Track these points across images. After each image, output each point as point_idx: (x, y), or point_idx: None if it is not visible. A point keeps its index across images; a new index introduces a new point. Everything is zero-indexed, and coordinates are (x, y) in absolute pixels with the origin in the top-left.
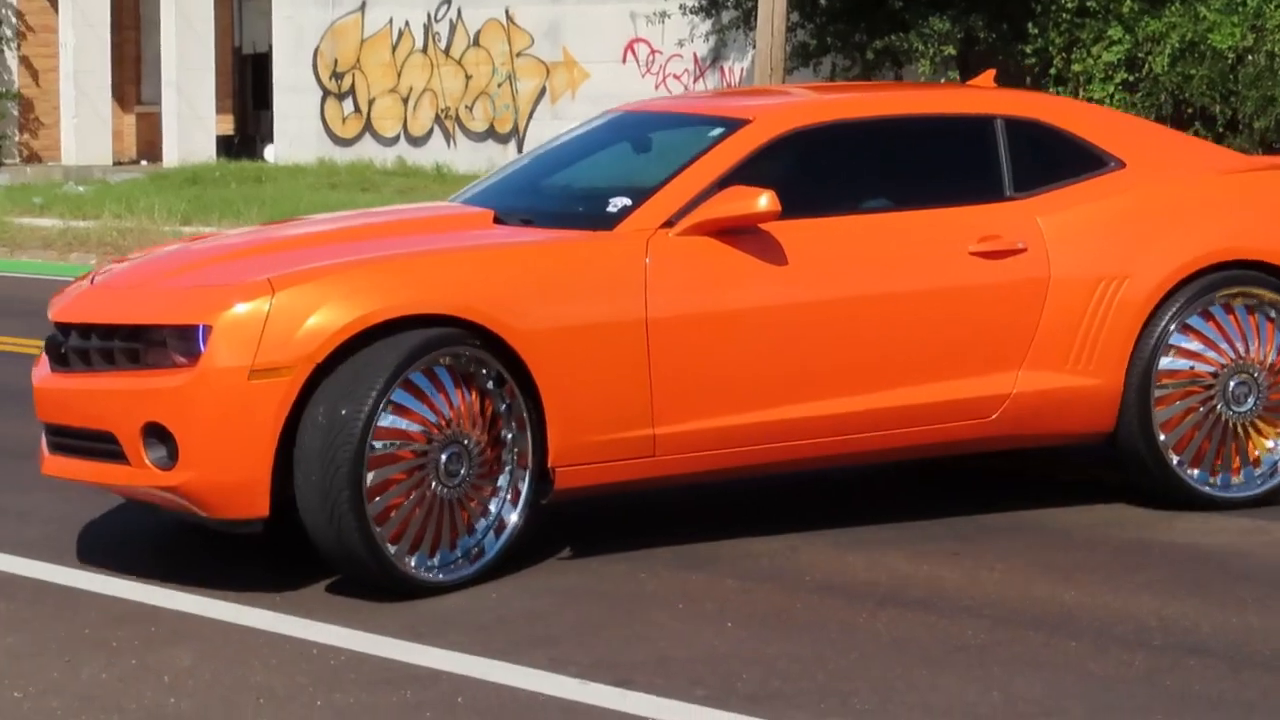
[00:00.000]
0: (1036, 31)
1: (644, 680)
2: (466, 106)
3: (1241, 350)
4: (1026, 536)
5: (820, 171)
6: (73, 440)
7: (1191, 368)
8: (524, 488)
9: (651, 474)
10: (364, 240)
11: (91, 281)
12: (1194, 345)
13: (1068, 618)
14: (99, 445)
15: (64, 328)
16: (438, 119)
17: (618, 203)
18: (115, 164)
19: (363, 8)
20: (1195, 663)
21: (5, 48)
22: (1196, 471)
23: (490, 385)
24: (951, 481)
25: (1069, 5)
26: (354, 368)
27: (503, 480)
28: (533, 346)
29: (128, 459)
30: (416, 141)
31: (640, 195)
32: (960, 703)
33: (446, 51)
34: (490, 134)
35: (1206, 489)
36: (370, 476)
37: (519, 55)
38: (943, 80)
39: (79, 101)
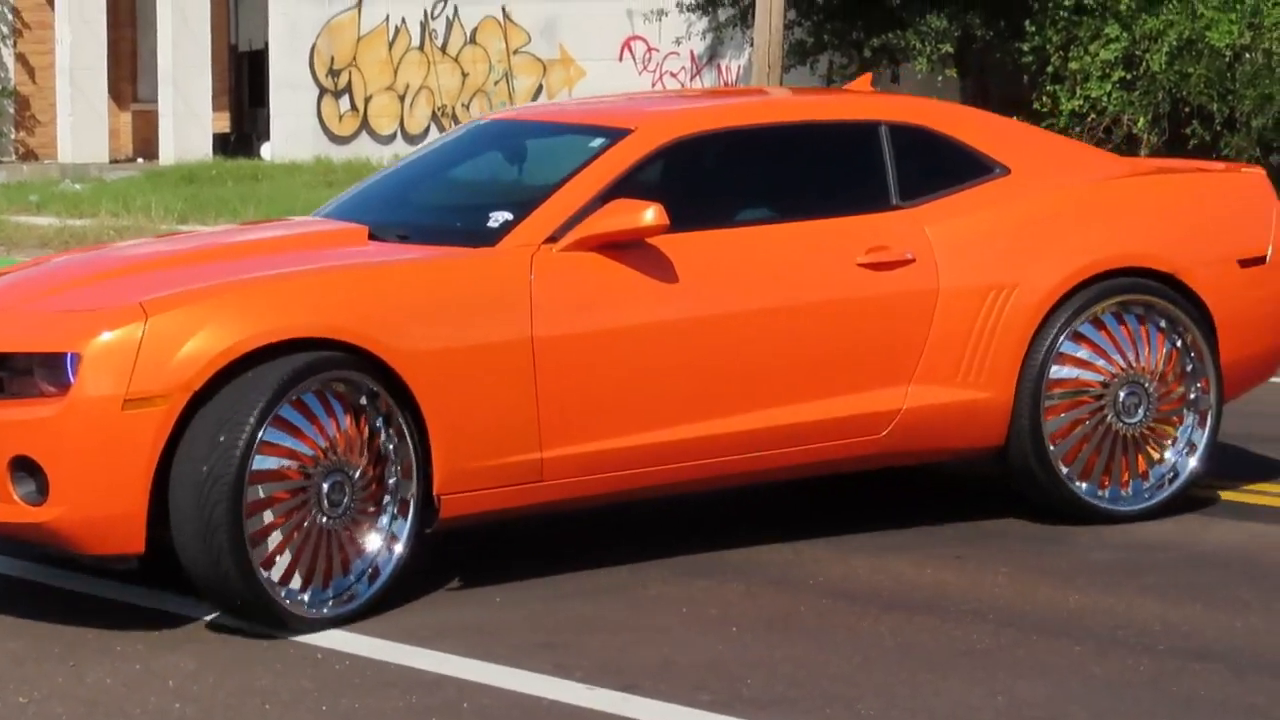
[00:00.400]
0: (1034, 29)
1: (649, 685)
2: (463, 104)
3: (1132, 359)
4: (1029, 541)
5: (705, 182)
6: None
7: (1080, 377)
8: (409, 516)
9: (540, 499)
10: (238, 259)
11: None
12: (1084, 354)
13: (1072, 622)
14: None
15: None
16: (434, 117)
17: (498, 217)
18: (112, 162)
19: (359, 5)
20: (1200, 667)
21: (2, 45)
22: (1085, 484)
23: (371, 410)
24: (953, 486)
25: (1066, 3)
26: (231, 395)
27: (386, 510)
28: (415, 369)
29: None
30: (413, 139)
31: (521, 209)
32: (964, 707)
33: (443, 49)
34: None
35: (1095, 502)
36: (248, 507)
37: (516, 53)
38: (940, 79)
39: (75, 99)
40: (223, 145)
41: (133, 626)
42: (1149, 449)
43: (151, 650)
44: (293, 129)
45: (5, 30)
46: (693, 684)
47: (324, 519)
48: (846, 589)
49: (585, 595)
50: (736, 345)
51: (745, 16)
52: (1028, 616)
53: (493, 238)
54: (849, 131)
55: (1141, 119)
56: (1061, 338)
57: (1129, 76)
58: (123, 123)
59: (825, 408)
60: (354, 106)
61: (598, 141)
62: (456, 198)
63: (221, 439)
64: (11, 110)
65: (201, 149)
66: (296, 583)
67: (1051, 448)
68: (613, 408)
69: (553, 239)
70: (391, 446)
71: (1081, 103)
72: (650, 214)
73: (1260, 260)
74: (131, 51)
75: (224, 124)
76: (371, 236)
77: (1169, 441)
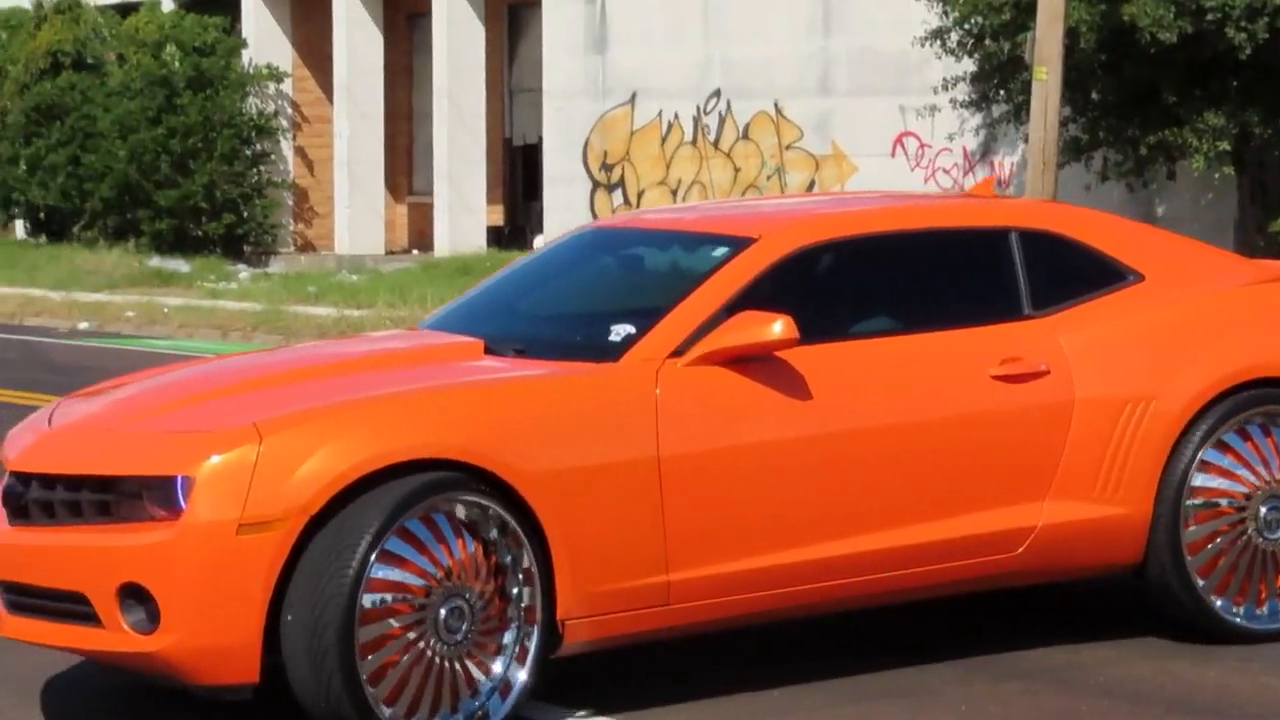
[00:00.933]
0: None
1: None
2: (738, 199)
3: (1276, 473)
4: None
5: (832, 291)
6: (37, 600)
7: (1223, 487)
8: (532, 643)
9: (666, 624)
10: (351, 375)
11: (50, 422)
12: (1228, 464)
13: None
14: (67, 606)
15: (23, 477)
16: None
17: (620, 330)
18: (387, 253)
19: (632, 100)
20: None
21: (282, 138)
22: (1220, 600)
23: (493, 533)
24: None
25: None
26: (346, 517)
27: (509, 636)
28: (538, 490)
29: (101, 621)
30: None
31: (643, 322)
32: None
33: (715, 144)
34: None
35: (1231, 618)
36: (362, 634)
37: (788, 148)
38: (1216, 176)
39: (353, 191)
40: (496, 238)
41: None
42: None
43: None
44: (565, 222)
45: (285, 125)
46: None
47: (444, 645)
48: (1128, 690)
49: (865, 697)
50: (868, 461)
51: (1019, 113)
52: None
53: (615, 352)
54: (978, 238)
55: None
56: (1205, 447)
57: None
58: (398, 215)
59: (959, 525)
60: (626, 200)
61: (720, 251)
62: (573, 309)
63: (333, 563)
64: (291, 202)
65: (476, 241)
66: (423, 713)
67: (1189, 558)
68: (741, 528)
69: (678, 353)
70: (509, 554)
71: None
72: (779, 326)
73: None
74: (408, 145)
75: (498, 217)
76: (487, 350)
77: None
